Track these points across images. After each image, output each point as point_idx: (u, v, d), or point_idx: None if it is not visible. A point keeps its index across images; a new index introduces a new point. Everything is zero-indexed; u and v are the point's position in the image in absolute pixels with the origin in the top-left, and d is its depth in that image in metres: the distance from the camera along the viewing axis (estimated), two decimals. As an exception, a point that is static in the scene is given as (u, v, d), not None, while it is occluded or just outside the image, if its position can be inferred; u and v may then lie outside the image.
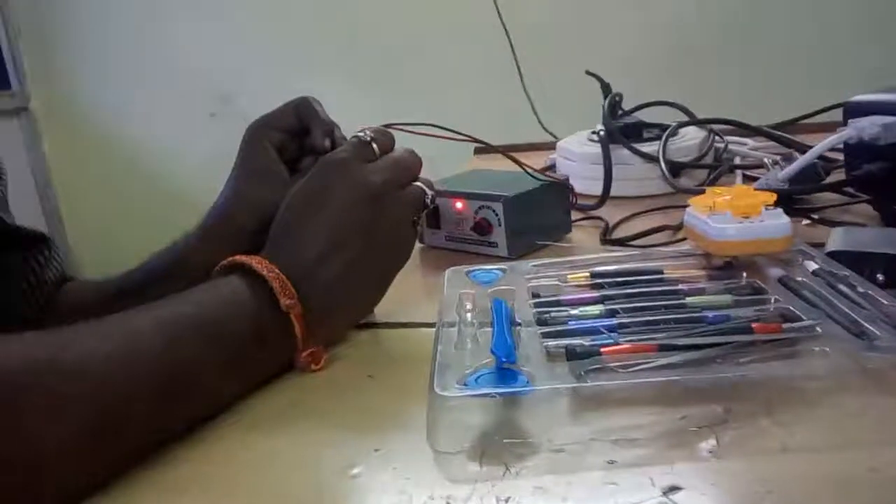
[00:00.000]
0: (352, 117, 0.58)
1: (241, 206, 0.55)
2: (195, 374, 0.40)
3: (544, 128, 1.12)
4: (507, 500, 0.32)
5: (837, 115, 0.66)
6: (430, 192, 0.53)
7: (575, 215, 0.72)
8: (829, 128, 0.64)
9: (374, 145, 0.51)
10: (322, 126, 0.56)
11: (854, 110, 0.63)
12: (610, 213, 0.74)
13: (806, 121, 0.94)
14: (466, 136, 0.59)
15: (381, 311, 0.54)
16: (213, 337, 0.42)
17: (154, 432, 0.38)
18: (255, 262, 0.45)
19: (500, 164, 0.72)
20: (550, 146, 0.99)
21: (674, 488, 0.32)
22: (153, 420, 0.38)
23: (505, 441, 0.36)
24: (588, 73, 0.93)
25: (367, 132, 0.51)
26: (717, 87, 1.49)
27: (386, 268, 0.51)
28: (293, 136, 0.57)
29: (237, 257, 0.46)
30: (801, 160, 0.66)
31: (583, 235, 0.71)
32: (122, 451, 0.37)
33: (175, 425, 0.39)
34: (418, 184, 0.52)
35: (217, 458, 0.38)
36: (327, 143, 0.55)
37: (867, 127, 0.59)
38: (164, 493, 0.36)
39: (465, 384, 0.38)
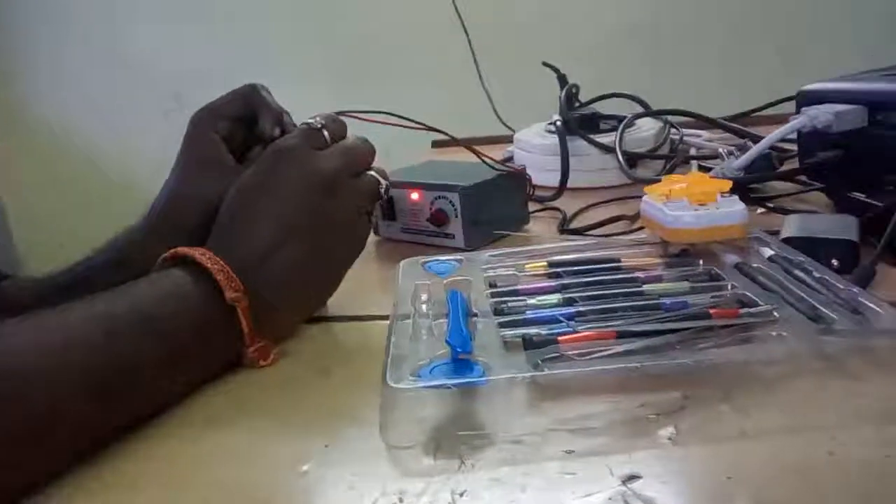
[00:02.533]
0: (308, 112, 0.56)
1: (186, 198, 0.52)
2: (133, 370, 0.38)
3: (502, 121, 1.12)
4: (462, 494, 0.31)
5: (792, 107, 0.67)
6: (383, 182, 0.51)
7: (533, 206, 0.72)
8: (784, 120, 0.64)
9: (325, 132, 0.49)
10: (271, 113, 0.53)
11: (807, 99, 0.64)
12: (567, 204, 0.73)
13: (761, 113, 0.95)
14: (421, 124, 0.58)
15: (335, 304, 0.52)
16: (153, 332, 0.40)
17: (90, 431, 0.36)
18: (198, 253, 0.43)
19: (458, 156, 0.71)
20: (508, 139, 0.98)
21: (632, 477, 0.31)
22: (89, 418, 0.36)
23: (460, 433, 0.35)
24: (545, 64, 0.93)
25: (318, 119, 0.49)
26: (673, 80, 1.50)
27: (338, 259, 0.49)
28: (241, 125, 0.54)
29: (180, 249, 0.44)
30: (755, 149, 0.67)
31: (540, 226, 0.71)
32: (55, 451, 0.34)
33: (114, 423, 0.37)
34: (372, 173, 0.51)
35: (161, 455, 0.37)
36: (277, 130, 0.53)
37: (819, 115, 0.59)
38: (107, 491, 0.34)
39: (418, 376, 0.37)
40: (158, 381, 0.40)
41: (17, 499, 0.33)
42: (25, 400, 0.34)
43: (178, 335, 0.41)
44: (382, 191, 0.51)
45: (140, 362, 0.38)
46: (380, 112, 0.55)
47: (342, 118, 0.52)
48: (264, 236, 0.45)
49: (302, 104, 0.58)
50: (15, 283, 0.59)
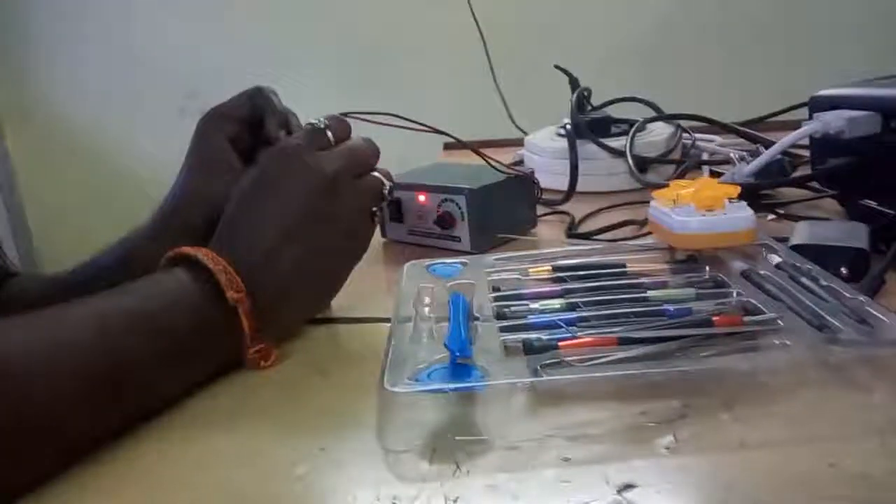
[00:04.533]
0: (322, 113, 0.56)
1: (192, 199, 0.52)
2: (131, 370, 0.38)
3: (515, 124, 1.11)
4: (455, 500, 0.31)
5: (805, 113, 0.66)
6: (388, 183, 0.51)
7: (541, 210, 0.71)
8: (797, 126, 0.63)
9: (329, 133, 0.49)
10: (276, 115, 0.54)
11: (820, 104, 0.63)
12: (576, 208, 0.73)
13: (775, 118, 0.94)
14: (427, 126, 0.58)
15: (339, 305, 0.52)
16: (153, 331, 0.40)
17: (86, 432, 0.36)
18: (201, 253, 0.43)
19: (469, 159, 0.71)
20: (520, 142, 0.98)
21: (628, 486, 0.30)
22: (84, 419, 0.36)
23: (457, 438, 0.35)
24: (557, 67, 0.92)
25: (322, 119, 0.49)
26: (686, 84, 1.49)
27: (341, 261, 0.49)
28: (248, 127, 0.55)
29: (183, 249, 0.44)
30: (766, 154, 0.66)
31: (548, 230, 0.70)
32: (49, 452, 0.34)
33: (110, 424, 0.37)
34: (376, 174, 0.51)
35: (157, 457, 0.36)
36: (282, 132, 0.53)
37: (832, 121, 0.59)
38: (100, 493, 0.34)
39: (416, 379, 0.37)
40: (157, 382, 0.40)
41: (9, 500, 0.33)
42: (19, 400, 0.33)
43: (179, 335, 0.41)
44: (386, 191, 0.51)
45: (138, 362, 0.38)
46: (386, 114, 0.55)
47: (347, 119, 0.52)
48: (266, 237, 0.45)
49: (316, 105, 0.58)
50: (21, 281, 0.60)
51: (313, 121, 0.49)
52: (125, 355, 0.38)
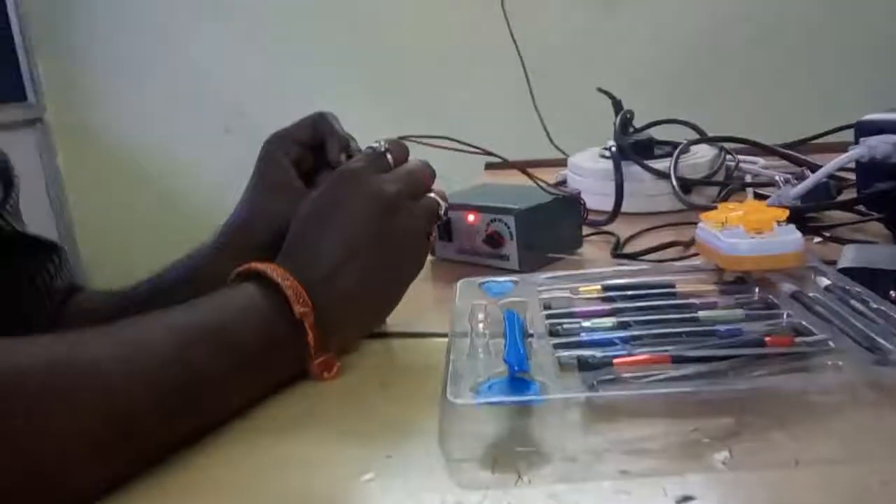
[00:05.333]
0: (367, 132, 0.58)
1: (258, 218, 0.55)
2: (206, 380, 0.40)
3: (555, 145, 1.13)
4: (519, 508, 0.32)
5: (849, 135, 0.66)
6: (443, 204, 0.53)
7: (586, 230, 0.73)
8: (841, 147, 0.64)
9: (389, 156, 0.51)
10: (338, 139, 0.56)
11: (866, 129, 0.64)
12: (621, 229, 0.74)
13: (818, 140, 0.94)
14: (480, 149, 0.60)
15: (394, 321, 0.54)
16: (226, 344, 0.42)
17: (159, 439, 0.38)
18: (269, 269, 0.45)
19: (510, 180, 0.72)
20: (560, 163, 0.99)
21: (687, 498, 0.32)
22: (163, 425, 0.38)
23: (517, 449, 0.37)
24: (600, 90, 0.94)
25: (382, 143, 0.52)
26: (729, 106, 1.49)
27: (399, 278, 0.51)
28: (310, 150, 0.58)
29: (252, 264, 0.46)
30: (813, 178, 0.67)
31: (594, 250, 0.71)
32: (127, 458, 0.36)
33: (182, 433, 0.39)
34: (432, 195, 0.53)
35: (227, 463, 0.38)
36: (343, 156, 0.56)
37: (879, 145, 0.59)
38: (173, 497, 0.36)
39: (477, 392, 0.38)
40: (227, 392, 0.42)
41: (92, 498, 0.35)
42: (104, 408, 0.36)
43: (248, 347, 0.43)
44: (442, 212, 0.53)
45: (210, 373, 0.41)
46: (439, 137, 0.57)
47: (404, 142, 0.54)
48: (331, 255, 0.47)
49: (354, 124, 0.61)
50: (88, 295, 0.63)
51: (374, 144, 0.52)
52: (199, 367, 0.40)
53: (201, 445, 0.40)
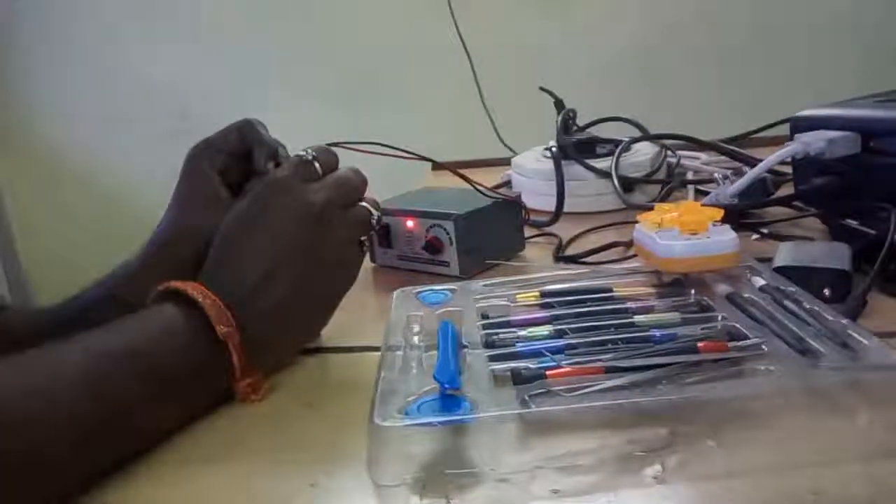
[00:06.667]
0: (308, 132, 0.56)
1: (182, 233, 0.52)
2: (121, 410, 0.38)
3: (504, 143, 1.12)
4: (446, 535, 0.31)
5: (787, 129, 0.67)
6: (375, 213, 0.51)
7: (529, 232, 0.72)
8: (781, 142, 0.64)
9: (317, 164, 0.49)
10: (265, 147, 0.54)
11: (801, 125, 0.64)
12: (564, 230, 0.73)
13: (759, 135, 0.95)
14: (413, 154, 0.58)
15: (330, 334, 0.52)
16: (143, 370, 0.40)
17: (74, 473, 0.36)
18: (190, 288, 0.43)
19: (458, 181, 0.71)
20: (508, 162, 0.98)
21: (617, 518, 0.31)
22: (79, 458, 0.36)
23: (448, 472, 0.35)
24: (542, 89, 0.93)
25: (310, 151, 0.50)
26: (670, 103, 1.51)
27: (330, 291, 0.50)
28: (237, 159, 0.55)
29: (172, 283, 0.44)
30: (749, 175, 0.67)
31: (536, 252, 0.71)
32: (36, 495, 0.34)
33: (99, 464, 0.37)
34: (364, 204, 0.51)
35: (147, 496, 0.37)
36: (270, 164, 0.53)
37: (813, 142, 0.60)
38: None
39: (406, 413, 0.37)
40: (147, 421, 0.40)
41: None
42: (16, 437, 0.34)
43: (169, 372, 0.41)
44: (374, 221, 0.51)
45: (129, 402, 0.39)
46: (372, 143, 0.55)
47: (334, 149, 0.52)
48: (255, 270, 0.45)
49: (303, 125, 0.59)
50: (8, 316, 0.60)
51: (301, 152, 0.50)
52: (119, 397, 0.38)
53: (118, 477, 0.37)
